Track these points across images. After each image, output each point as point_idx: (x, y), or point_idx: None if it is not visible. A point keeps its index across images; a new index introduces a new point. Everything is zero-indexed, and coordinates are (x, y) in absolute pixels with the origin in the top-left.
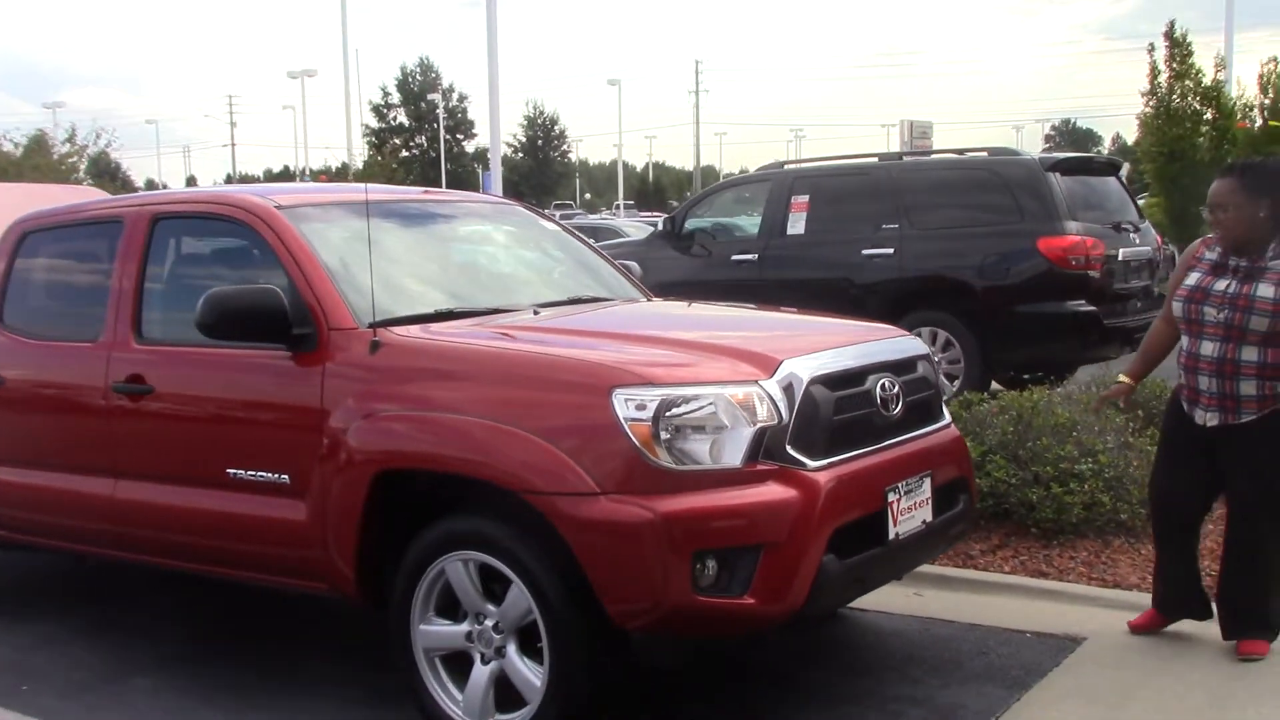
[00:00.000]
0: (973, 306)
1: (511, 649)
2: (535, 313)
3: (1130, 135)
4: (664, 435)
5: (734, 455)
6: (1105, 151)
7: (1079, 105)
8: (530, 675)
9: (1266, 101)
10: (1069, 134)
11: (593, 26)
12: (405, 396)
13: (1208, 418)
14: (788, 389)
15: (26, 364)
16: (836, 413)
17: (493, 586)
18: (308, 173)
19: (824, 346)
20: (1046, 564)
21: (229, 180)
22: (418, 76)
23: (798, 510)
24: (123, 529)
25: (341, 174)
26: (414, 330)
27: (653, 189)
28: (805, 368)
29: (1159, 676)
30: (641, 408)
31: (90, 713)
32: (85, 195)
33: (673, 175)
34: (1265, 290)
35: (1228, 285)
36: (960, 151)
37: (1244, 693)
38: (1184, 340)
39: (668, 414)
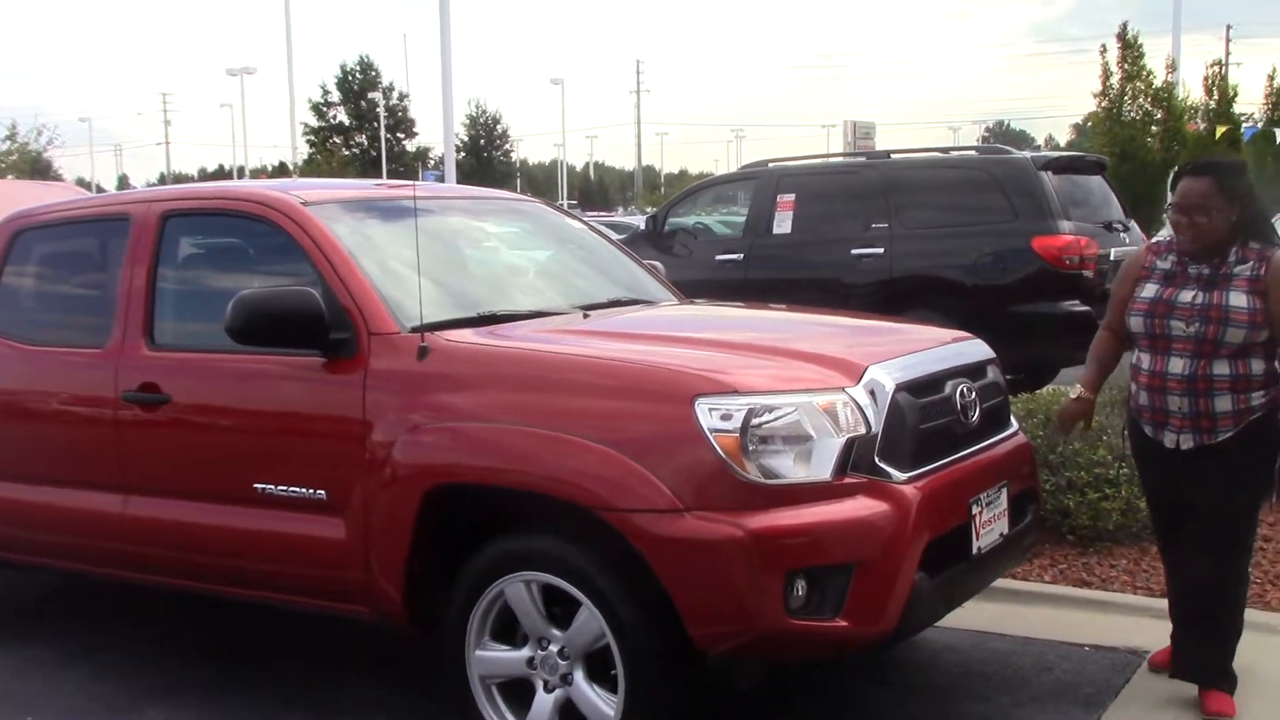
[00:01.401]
0: (965, 307)
1: (579, 676)
2: (585, 315)
3: (1063, 137)
4: (751, 447)
5: (823, 467)
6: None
7: (1011, 107)
8: (602, 704)
9: (1212, 104)
10: (1002, 135)
11: (536, 26)
12: (459, 406)
13: (1180, 440)
14: (874, 397)
15: (24, 373)
16: (922, 421)
17: (553, 609)
18: (246, 172)
19: (903, 351)
20: (1087, 572)
21: (162, 180)
22: (358, 75)
23: (891, 525)
24: (134, 548)
25: (281, 173)
26: (466, 334)
27: (595, 188)
28: (889, 374)
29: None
30: (727, 417)
31: None
32: (68, 193)
33: (614, 175)
34: (1238, 299)
35: (1194, 296)
36: (945, 150)
37: None
38: (1142, 359)
39: (754, 424)
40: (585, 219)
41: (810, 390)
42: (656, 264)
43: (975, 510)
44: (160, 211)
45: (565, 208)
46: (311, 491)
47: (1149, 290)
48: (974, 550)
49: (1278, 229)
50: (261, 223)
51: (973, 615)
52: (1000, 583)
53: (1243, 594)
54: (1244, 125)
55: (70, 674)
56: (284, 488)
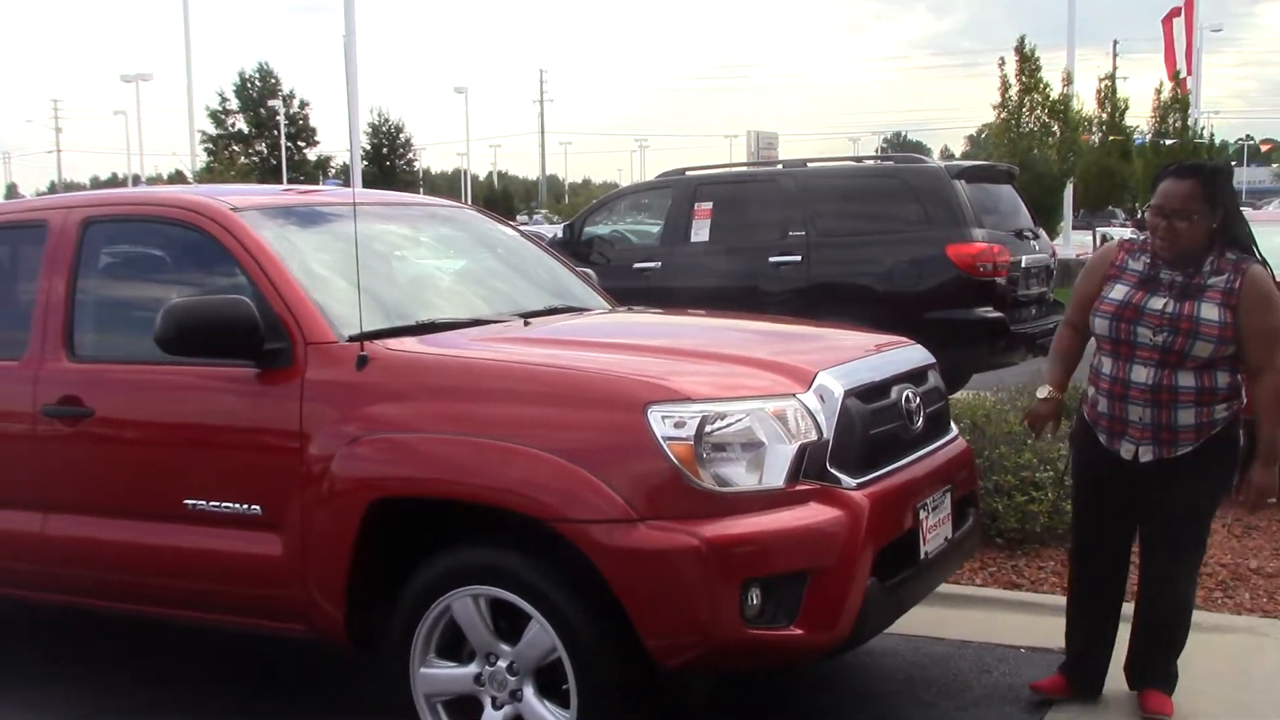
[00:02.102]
0: (881, 314)
1: (529, 691)
2: (525, 322)
3: (957, 148)
4: (705, 454)
5: (776, 475)
6: None
7: (907, 119)
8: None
9: (1105, 116)
10: (899, 146)
11: (439, 35)
12: (401, 417)
13: (1140, 452)
14: (824, 402)
15: None
16: (871, 426)
17: (500, 624)
18: (143, 180)
19: (850, 357)
20: (1017, 575)
21: (53, 189)
22: (257, 82)
23: (844, 532)
24: (55, 569)
25: (177, 181)
26: (406, 343)
27: (499, 197)
28: (838, 380)
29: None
30: (680, 425)
31: None
32: None
33: (518, 184)
34: (1209, 312)
35: (1165, 304)
36: (859, 159)
37: None
38: (1104, 362)
39: (708, 431)
40: (517, 227)
41: (763, 396)
42: (589, 272)
43: (923, 515)
44: (80, 218)
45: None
46: (246, 507)
47: (1118, 291)
48: (922, 555)
49: None
50: (189, 229)
51: (908, 620)
52: None
53: (1194, 595)
54: (1133, 136)
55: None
56: (216, 503)
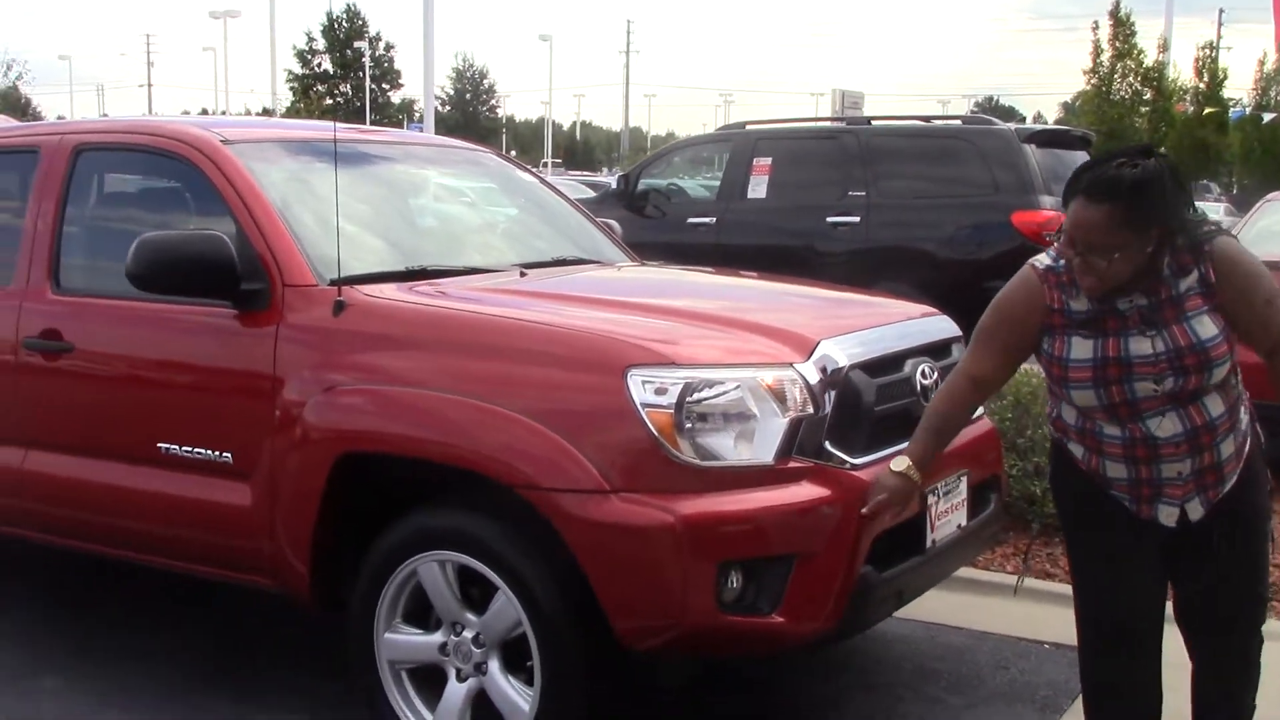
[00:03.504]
0: (940, 280)
1: (494, 666)
2: (521, 274)
3: (1051, 114)
4: (687, 424)
5: (765, 450)
6: None
7: (1003, 83)
8: (516, 698)
9: (1202, 86)
10: (991, 111)
11: None
12: (375, 367)
13: (1188, 510)
14: (825, 374)
15: None
16: (877, 402)
17: (471, 591)
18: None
19: (859, 326)
20: (1051, 564)
21: None
22: (344, 23)
23: (837, 515)
24: (33, 506)
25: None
26: (386, 290)
27: (581, 148)
28: (843, 350)
29: None
30: (661, 391)
31: None
32: None
33: (601, 135)
34: (1206, 327)
35: (1152, 342)
36: (927, 119)
37: None
38: (1099, 425)
39: (691, 400)
40: (536, 172)
41: (755, 365)
42: (612, 223)
43: (931, 500)
44: (72, 145)
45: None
46: (217, 454)
47: (1080, 349)
48: (928, 543)
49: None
50: (177, 160)
51: (929, 605)
52: (960, 571)
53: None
54: (1232, 109)
55: None
56: (188, 448)
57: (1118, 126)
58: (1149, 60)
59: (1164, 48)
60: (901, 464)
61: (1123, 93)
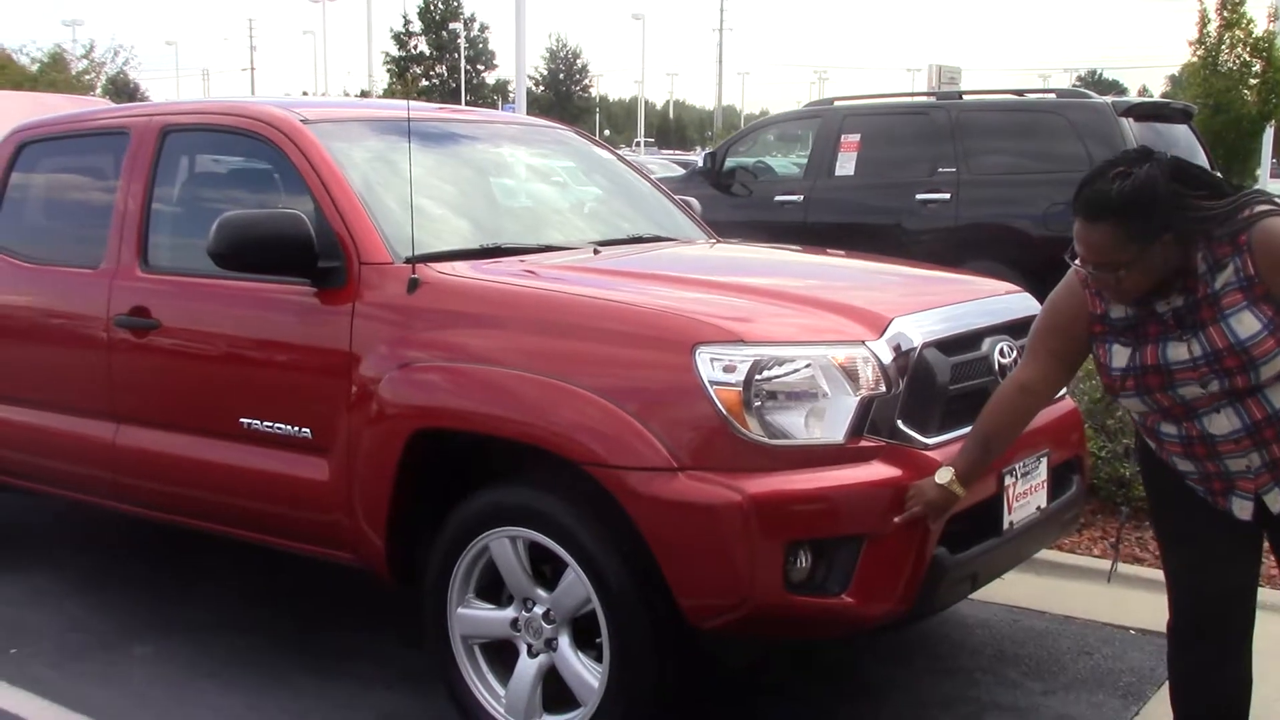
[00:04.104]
0: (1033, 259)
1: (564, 642)
2: (595, 252)
3: (1156, 88)
4: (755, 403)
5: (836, 429)
6: None
7: (1107, 56)
8: (586, 674)
9: None
10: (1094, 85)
11: None
12: (448, 344)
13: (1268, 501)
14: (898, 352)
15: (20, 290)
16: (953, 381)
17: (543, 568)
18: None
19: (935, 303)
20: (1140, 548)
21: None
22: (439, 5)
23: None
24: (123, 479)
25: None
26: (459, 268)
27: (674, 127)
28: (918, 328)
29: None
30: (730, 369)
31: (80, 684)
32: (92, 106)
33: (693, 114)
34: (1247, 324)
35: (1188, 346)
36: (1020, 93)
37: None
38: (1159, 424)
39: (760, 378)
40: (615, 151)
41: (826, 343)
42: (691, 200)
43: (1009, 481)
44: (159, 126)
45: (641, 144)
46: (297, 429)
47: (1119, 357)
48: (1005, 525)
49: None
50: (259, 140)
51: (1011, 589)
52: (1045, 554)
53: None
54: None
55: (68, 605)
56: (269, 424)
57: (1224, 99)
58: (1259, 30)
59: (1275, 17)
60: (945, 475)
61: (1230, 64)
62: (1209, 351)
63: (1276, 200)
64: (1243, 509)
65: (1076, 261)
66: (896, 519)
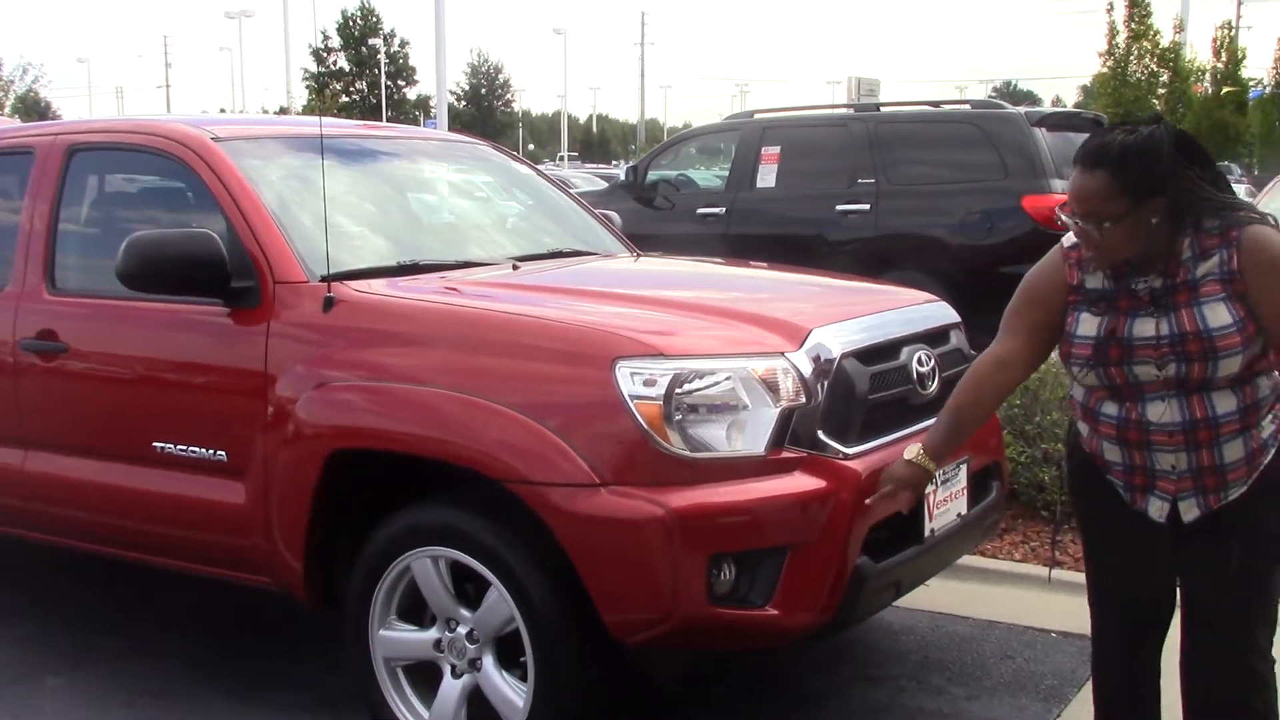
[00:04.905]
0: (951, 267)
1: (489, 661)
2: (514, 267)
3: (1070, 98)
4: (676, 416)
5: (756, 441)
6: None
7: (1020, 67)
8: (510, 693)
9: (1220, 66)
10: (1009, 96)
11: None
12: (364, 363)
13: (1180, 508)
14: (818, 363)
15: None
16: (872, 391)
17: (466, 587)
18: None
19: (853, 314)
20: (1060, 551)
21: None
22: (358, 21)
23: (831, 505)
24: (34, 506)
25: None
26: (375, 285)
27: (597, 141)
28: (837, 338)
29: None
30: (650, 383)
31: None
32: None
33: (617, 128)
34: (1218, 315)
35: (1156, 324)
36: (936, 104)
37: None
38: (1100, 402)
39: (680, 391)
40: (535, 166)
41: (746, 355)
42: (611, 214)
43: (929, 489)
44: (65, 145)
45: (564, 158)
46: (212, 452)
47: (1086, 325)
48: (927, 532)
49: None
50: (169, 159)
51: (934, 595)
52: (966, 560)
53: (1272, 699)
54: (1251, 88)
55: None
56: (183, 447)
57: (1133, 109)
58: (1165, 41)
59: (1180, 28)
60: (913, 451)
61: (1139, 74)
62: (1175, 333)
63: (1271, 219)
64: (1159, 510)
65: (1065, 214)
66: (869, 500)
